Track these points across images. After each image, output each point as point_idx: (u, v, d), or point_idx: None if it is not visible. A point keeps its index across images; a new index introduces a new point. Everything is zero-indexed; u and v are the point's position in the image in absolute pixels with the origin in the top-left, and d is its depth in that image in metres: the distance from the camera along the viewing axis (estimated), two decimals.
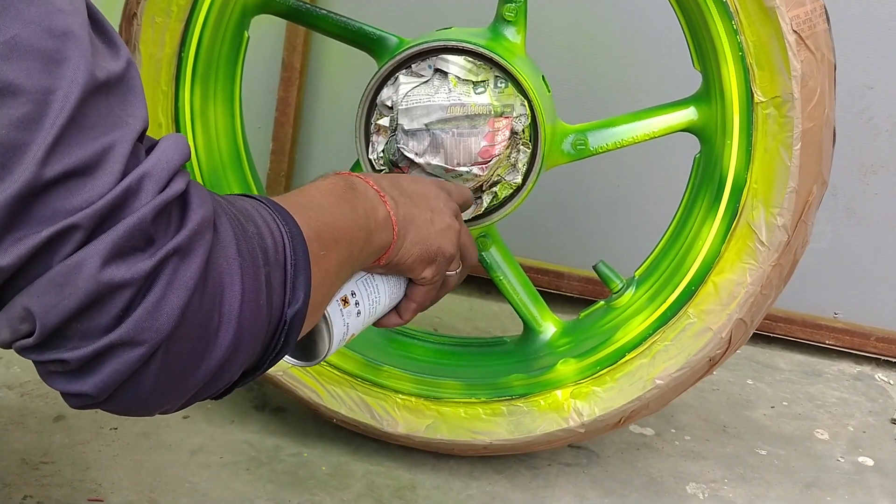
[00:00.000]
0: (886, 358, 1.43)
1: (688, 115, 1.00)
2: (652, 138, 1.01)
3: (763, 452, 1.21)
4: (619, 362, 1.03)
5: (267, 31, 1.44)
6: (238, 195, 0.67)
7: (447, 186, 0.91)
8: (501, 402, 1.06)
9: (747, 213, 0.96)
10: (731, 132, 0.96)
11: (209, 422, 1.15)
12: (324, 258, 0.67)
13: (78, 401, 0.55)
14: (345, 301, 0.79)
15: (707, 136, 1.00)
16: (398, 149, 0.96)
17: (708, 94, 0.98)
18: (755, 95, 0.93)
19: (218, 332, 0.56)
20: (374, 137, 0.99)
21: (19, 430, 1.09)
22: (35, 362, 0.54)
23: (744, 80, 0.94)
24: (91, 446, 1.08)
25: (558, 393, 1.04)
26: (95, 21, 0.56)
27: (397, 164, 0.98)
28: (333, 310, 0.78)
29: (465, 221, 0.99)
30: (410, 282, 0.87)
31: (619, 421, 1.04)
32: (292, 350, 0.77)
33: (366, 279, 0.82)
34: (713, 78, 0.96)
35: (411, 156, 0.96)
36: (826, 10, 0.94)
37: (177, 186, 0.55)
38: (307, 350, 0.81)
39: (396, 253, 0.80)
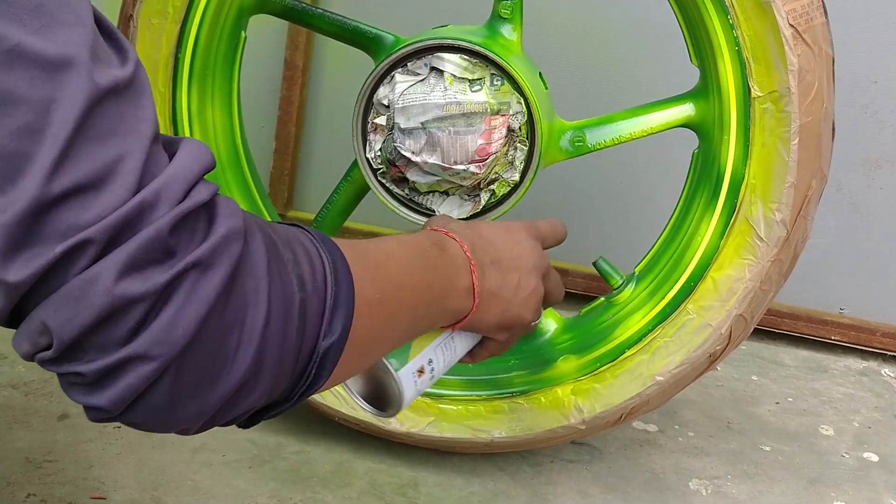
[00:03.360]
0: (892, 353, 1.43)
1: (685, 110, 1.00)
2: (650, 134, 1.01)
3: (767, 448, 1.21)
4: (619, 359, 1.02)
5: (269, 30, 1.45)
6: (286, 223, 0.65)
7: (542, 230, 0.89)
8: (502, 400, 1.06)
9: (746, 208, 0.96)
10: (728, 127, 0.96)
11: None
12: (379, 303, 0.64)
13: (95, 414, 0.55)
14: (420, 371, 0.79)
15: (705, 132, 0.99)
16: (395, 147, 0.96)
17: (705, 89, 0.98)
18: (752, 90, 0.93)
19: (237, 352, 0.54)
20: (371, 136, 0.99)
21: (23, 428, 1.10)
22: (57, 374, 0.54)
23: (741, 75, 0.93)
24: (94, 445, 1.09)
25: (559, 390, 1.04)
26: (103, 26, 0.55)
27: (394, 162, 0.98)
28: (407, 380, 0.78)
29: (463, 220, 0.99)
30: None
31: (620, 417, 1.04)
32: (357, 394, 0.80)
33: (444, 343, 0.81)
34: (710, 73, 0.96)
35: (408, 154, 0.96)
36: (824, 4, 0.93)
37: (197, 197, 0.53)
38: (379, 397, 0.81)
39: (474, 322, 0.79)
